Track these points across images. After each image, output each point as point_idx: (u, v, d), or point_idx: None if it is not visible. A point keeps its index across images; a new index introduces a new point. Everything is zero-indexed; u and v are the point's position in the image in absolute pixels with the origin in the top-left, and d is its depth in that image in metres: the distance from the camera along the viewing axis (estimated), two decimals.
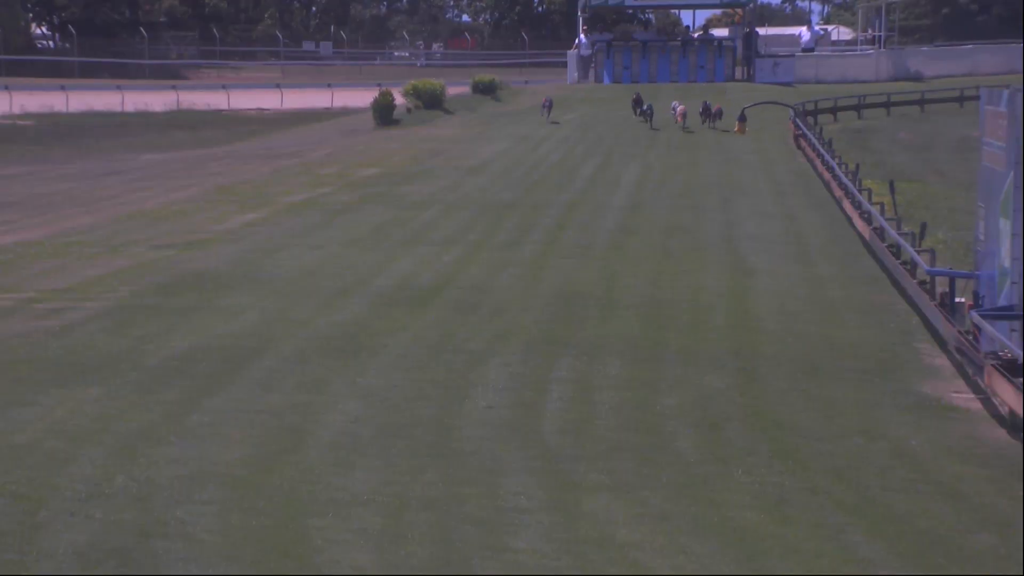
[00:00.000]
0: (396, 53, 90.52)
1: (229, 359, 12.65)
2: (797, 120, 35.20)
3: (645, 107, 38.58)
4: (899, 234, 17.66)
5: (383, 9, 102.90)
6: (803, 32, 52.62)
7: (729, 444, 10.42)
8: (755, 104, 37.14)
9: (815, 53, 54.68)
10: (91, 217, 23.11)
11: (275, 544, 8.02)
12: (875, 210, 20.00)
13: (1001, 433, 11.05)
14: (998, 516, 8.99)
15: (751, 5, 55.24)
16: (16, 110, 48.68)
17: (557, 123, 39.36)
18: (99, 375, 11.95)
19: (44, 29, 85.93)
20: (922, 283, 15.56)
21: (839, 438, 10.70)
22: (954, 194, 25.77)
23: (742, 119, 33.12)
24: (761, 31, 52.86)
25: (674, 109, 38.48)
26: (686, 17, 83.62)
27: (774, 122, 38.36)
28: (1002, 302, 12.34)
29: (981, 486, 9.64)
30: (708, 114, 37.76)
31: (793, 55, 52.37)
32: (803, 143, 32.59)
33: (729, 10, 74.52)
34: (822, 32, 57.41)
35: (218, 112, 51.79)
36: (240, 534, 8.15)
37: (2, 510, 8.41)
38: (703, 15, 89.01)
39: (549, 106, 40.41)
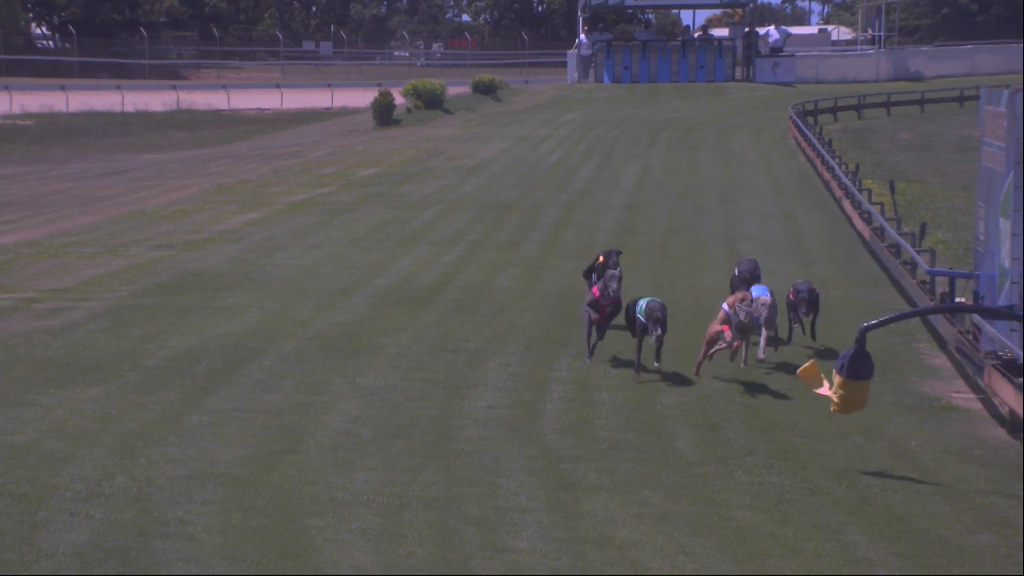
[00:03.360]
0: (396, 53, 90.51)
1: (229, 359, 12.64)
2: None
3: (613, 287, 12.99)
4: (899, 234, 17.66)
5: (383, 9, 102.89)
6: (771, 31, 52.61)
7: (729, 444, 10.43)
8: (882, 322, 10.81)
9: (815, 53, 54.77)
10: (91, 217, 23.10)
11: (275, 544, 8.02)
12: (875, 210, 19.99)
13: (1001, 433, 11.05)
14: (998, 516, 9.00)
15: (751, 5, 55.33)
16: (16, 110, 48.66)
17: None
18: (99, 375, 11.95)
19: (44, 29, 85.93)
20: (922, 283, 15.56)
21: (839, 438, 10.70)
22: (954, 194, 25.77)
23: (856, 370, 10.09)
24: (760, 31, 52.87)
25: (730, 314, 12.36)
26: (686, 17, 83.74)
27: (773, 121, 38.40)
28: (1002, 302, 12.33)
29: (981, 486, 9.64)
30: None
31: (794, 55, 52.44)
32: None
33: (729, 10, 74.59)
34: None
35: (218, 112, 51.78)
36: (240, 534, 8.15)
37: (2, 510, 8.41)
38: (703, 15, 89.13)
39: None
